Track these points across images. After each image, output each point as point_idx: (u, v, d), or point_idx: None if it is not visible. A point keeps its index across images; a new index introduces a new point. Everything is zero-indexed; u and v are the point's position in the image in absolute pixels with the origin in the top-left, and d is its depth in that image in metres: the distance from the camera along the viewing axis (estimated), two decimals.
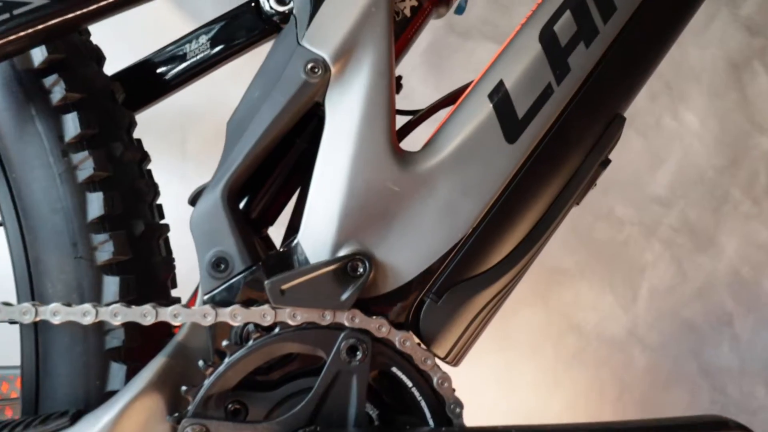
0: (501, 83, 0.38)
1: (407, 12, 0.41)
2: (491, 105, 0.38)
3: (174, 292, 0.43)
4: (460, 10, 0.48)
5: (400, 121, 0.49)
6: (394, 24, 0.41)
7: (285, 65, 0.37)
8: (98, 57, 0.41)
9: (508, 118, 0.37)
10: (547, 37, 0.39)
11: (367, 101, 0.36)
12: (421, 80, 1.02)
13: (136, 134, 0.46)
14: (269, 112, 0.36)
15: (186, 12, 0.90)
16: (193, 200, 0.38)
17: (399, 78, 0.44)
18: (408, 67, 1.05)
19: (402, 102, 1.07)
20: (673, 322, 1.13)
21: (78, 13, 0.35)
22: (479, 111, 0.38)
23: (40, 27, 0.33)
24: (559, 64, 0.38)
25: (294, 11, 0.40)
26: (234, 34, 0.48)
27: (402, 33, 0.41)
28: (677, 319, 1.13)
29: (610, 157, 0.43)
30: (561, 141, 0.39)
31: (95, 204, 0.35)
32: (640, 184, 1.12)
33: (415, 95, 1.04)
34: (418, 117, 0.44)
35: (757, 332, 1.16)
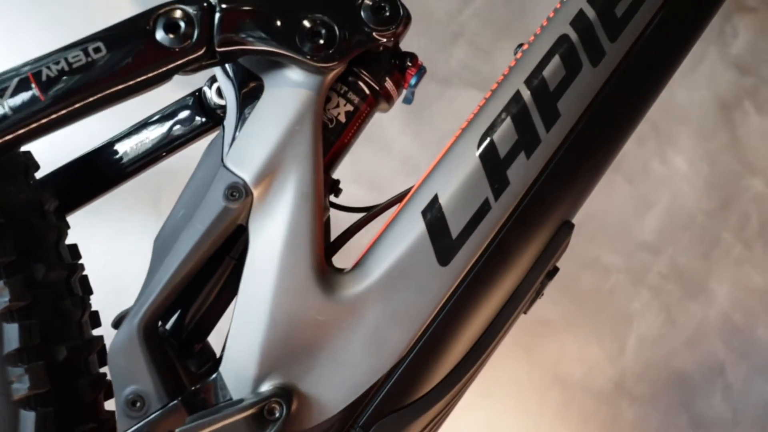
0: (435, 199, 0.37)
1: (342, 118, 0.39)
2: (424, 223, 0.36)
3: None
4: (407, 101, 0.46)
5: (347, 214, 0.48)
6: (327, 131, 0.40)
7: (208, 184, 0.36)
8: (27, 167, 0.40)
9: (442, 239, 0.36)
10: (485, 147, 0.37)
11: (290, 226, 0.35)
12: (399, 130, 1.01)
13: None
14: (188, 240, 0.34)
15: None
16: (117, 324, 0.37)
17: (336, 182, 0.43)
18: (387, 115, 1.03)
19: (381, 152, 1.05)
20: (663, 372, 1.10)
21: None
22: (411, 230, 0.36)
23: None
24: (497, 178, 0.37)
25: (225, 120, 0.39)
26: (176, 128, 0.47)
27: (338, 139, 0.40)
28: (667, 369, 1.10)
29: (559, 264, 0.42)
30: (499, 258, 0.37)
31: (11, 336, 0.34)
32: (628, 230, 1.10)
33: (394, 145, 1.03)
34: (358, 224, 0.42)
35: (750, 380, 1.13)
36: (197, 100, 0.47)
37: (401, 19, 0.37)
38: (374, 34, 0.36)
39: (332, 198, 0.43)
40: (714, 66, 1.22)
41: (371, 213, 0.43)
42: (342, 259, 0.45)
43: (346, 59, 0.36)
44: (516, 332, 1.00)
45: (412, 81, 0.42)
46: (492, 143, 0.37)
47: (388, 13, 0.36)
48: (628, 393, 1.08)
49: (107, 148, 0.46)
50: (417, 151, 1.04)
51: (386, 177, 1.00)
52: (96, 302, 0.47)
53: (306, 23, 0.35)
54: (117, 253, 0.93)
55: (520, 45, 0.44)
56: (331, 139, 0.40)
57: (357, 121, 0.40)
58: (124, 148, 0.47)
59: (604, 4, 0.39)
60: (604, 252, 1.08)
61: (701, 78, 1.21)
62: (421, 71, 0.42)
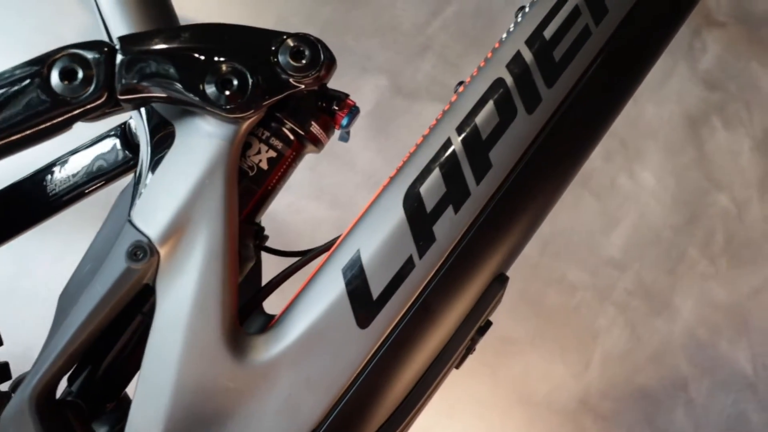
0: (357, 255, 0.35)
1: (264, 165, 0.37)
2: (344, 283, 0.34)
3: None
4: (343, 140, 0.44)
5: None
6: (248, 179, 0.37)
7: (114, 239, 0.33)
8: None
9: (361, 300, 0.34)
10: (411, 200, 0.35)
11: (199, 287, 0.33)
12: (363, 144, 0.99)
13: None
14: (89, 301, 0.32)
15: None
16: (14, 388, 0.34)
17: (261, 229, 0.41)
18: (351, 130, 1.01)
19: (343, 168, 1.03)
20: (627, 389, 1.10)
21: None
22: (330, 289, 0.34)
23: None
24: (422, 234, 0.35)
25: (139, 163, 0.36)
26: (99, 162, 0.45)
27: (261, 187, 0.38)
28: (630, 385, 1.10)
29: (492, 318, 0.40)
30: (424, 318, 0.35)
31: None
32: (594, 247, 1.09)
33: (357, 160, 1.01)
34: (288, 272, 0.40)
35: (712, 395, 1.13)
36: (123, 133, 0.45)
37: (322, 64, 0.35)
38: (292, 80, 0.34)
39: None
40: (683, 81, 1.22)
41: (304, 259, 0.42)
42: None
43: (261, 108, 0.34)
44: (480, 351, 0.99)
45: (343, 122, 0.40)
46: (418, 196, 0.35)
47: (307, 59, 0.34)
48: (592, 410, 1.08)
49: (27, 183, 0.44)
50: (381, 166, 1.02)
51: (349, 194, 0.98)
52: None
53: (215, 70, 0.32)
54: (64, 273, 0.90)
55: (461, 83, 0.42)
56: (253, 188, 0.37)
57: (282, 167, 0.38)
58: (45, 182, 0.45)
59: (541, 47, 0.38)
60: (570, 269, 1.07)
61: (670, 93, 1.21)
62: (352, 112, 0.40)
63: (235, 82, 0.32)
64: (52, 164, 0.45)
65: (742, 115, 1.25)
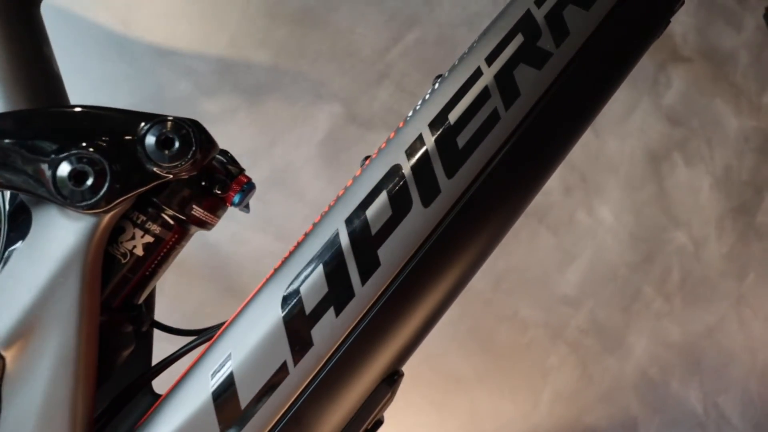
0: (228, 359, 0.32)
1: (139, 251, 0.34)
2: (210, 390, 0.32)
3: None
4: (244, 211, 0.42)
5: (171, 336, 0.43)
6: (121, 267, 0.35)
7: None
8: None
9: (228, 410, 0.31)
10: (289, 300, 0.33)
11: (45, 397, 0.30)
12: (313, 174, 0.97)
13: None
14: None
15: None
16: None
17: (141, 312, 0.38)
18: (300, 158, 0.99)
19: (291, 198, 1.00)
20: (575, 428, 1.09)
21: None
22: (197, 395, 0.32)
23: None
24: (299, 338, 0.32)
25: None
26: None
27: (137, 273, 0.35)
28: (579, 425, 1.10)
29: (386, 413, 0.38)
30: (299, 424, 0.33)
31: None
32: (548, 283, 1.08)
33: (307, 190, 0.98)
34: (170, 360, 0.38)
35: None
36: None
37: (194, 153, 0.32)
38: (158, 170, 0.31)
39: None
40: (646, 116, 1.21)
41: (198, 341, 0.39)
42: None
43: (122, 202, 0.31)
44: (426, 388, 0.97)
45: (235, 200, 0.37)
46: (298, 296, 0.33)
47: (176, 147, 0.31)
48: None
49: None
50: (332, 197, 0.98)
51: (297, 226, 0.95)
52: None
53: (70, 161, 0.30)
54: None
55: (367, 157, 0.40)
56: (128, 276, 0.35)
57: (161, 251, 0.36)
58: None
59: (445, 131, 0.35)
60: (523, 306, 1.06)
61: (632, 128, 1.20)
62: (244, 191, 0.37)
63: (91, 175, 0.30)
64: None
65: (704, 152, 1.25)
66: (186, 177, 0.33)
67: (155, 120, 0.32)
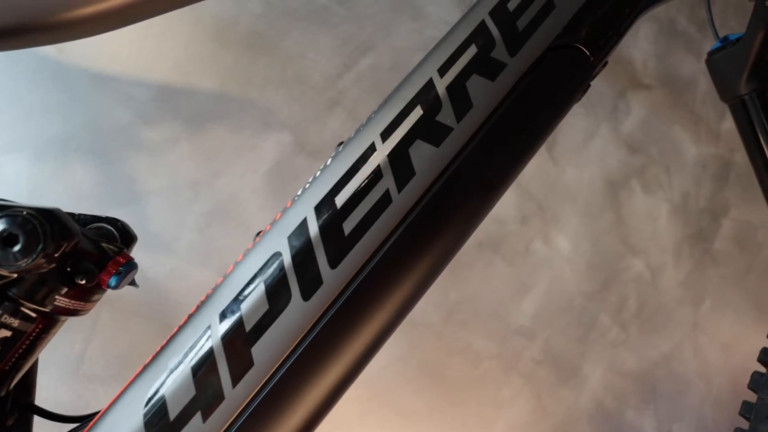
0: None
1: None
2: None
3: None
4: (132, 286, 0.39)
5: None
6: None
7: None
8: None
9: None
10: (153, 404, 0.30)
11: None
12: (259, 205, 0.94)
13: None
14: None
15: None
16: None
17: (11, 407, 0.35)
18: (245, 188, 0.96)
19: (236, 231, 0.97)
20: None
21: None
22: None
23: None
24: None
25: None
26: None
27: None
28: None
29: None
30: None
31: None
32: (503, 314, 1.06)
33: (252, 222, 0.95)
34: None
35: None
36: None
37: (42, 248, 0.29)
38: (0, 271, 0.28)
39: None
40: (605, 143, 1.21)
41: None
42: None
43: None
44: (375, 426, 0.94)
45: (111, 283, 0.35)
46: (162, 401, 0.30)
47: (22, 244, 0.29)
48: None
49: None
50: None
51: None
52: None
53: None
54: None
55: (259, 232, 0.38)
56: None
57: (23, 344, 0.33)
58: None
59: (331, 217, 0.33)
60: (476, 338, 1.04)
61: (591, 155, 1.20)
62: (120, 273, 0.35)
63: None
64: None
65: (662, 179, 1.25)
66: (44, 270, 0.30)
67: (11, 211, 0.29)
